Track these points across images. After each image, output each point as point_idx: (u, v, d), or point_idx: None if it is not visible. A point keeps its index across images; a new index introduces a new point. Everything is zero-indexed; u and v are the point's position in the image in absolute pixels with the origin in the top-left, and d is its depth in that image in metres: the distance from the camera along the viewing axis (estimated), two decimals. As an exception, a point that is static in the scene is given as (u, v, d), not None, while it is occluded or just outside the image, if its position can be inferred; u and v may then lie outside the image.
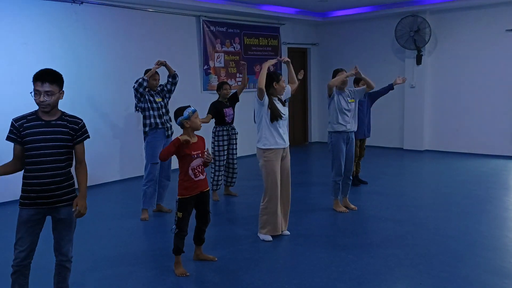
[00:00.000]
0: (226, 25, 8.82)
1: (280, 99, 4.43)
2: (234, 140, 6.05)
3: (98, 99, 6.96)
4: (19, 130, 2.68)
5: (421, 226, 4.82)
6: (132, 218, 5.31)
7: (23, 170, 2.77)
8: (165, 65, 5.37)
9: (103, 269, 3.88)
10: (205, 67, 8.47)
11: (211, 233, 4.71)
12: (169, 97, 5.44)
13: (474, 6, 8.59)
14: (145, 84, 5.11)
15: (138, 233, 4.94)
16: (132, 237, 4.81)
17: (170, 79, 5.43)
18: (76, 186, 2.96)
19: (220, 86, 5.96)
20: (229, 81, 8.39)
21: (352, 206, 5.45)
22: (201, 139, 3.79)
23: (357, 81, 6.32)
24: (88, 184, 7.38)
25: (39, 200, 2.75)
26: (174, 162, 5.60)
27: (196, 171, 3.66)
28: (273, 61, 4.44)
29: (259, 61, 9.53)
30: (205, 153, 3.71)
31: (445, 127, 9.29)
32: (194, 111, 3.68)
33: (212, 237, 4.59)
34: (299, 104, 10.95)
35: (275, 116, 4.27)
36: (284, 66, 10.02)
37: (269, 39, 9.71)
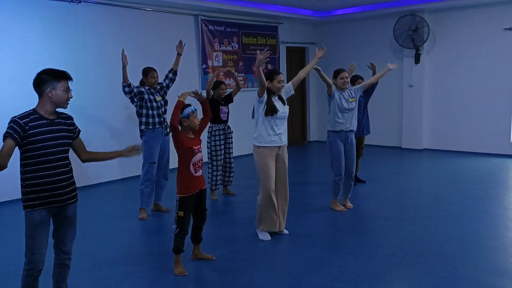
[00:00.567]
0: (224, 24, 8.81)
1: (281, 98, 4.42)
2: (230, 139, 6.05)
3: (96, 98, 6.95)
4: (25, 128, 2.63)
5: (419, 225, 4.82)
6: (131, 217, 5.31)
7: (24, 172, 2.72)
8: (178, 56, 5.43)
9: (102, 269, 3.88)
10: (204, 66, 8.46)
11: (210, 232, 4.72)
12: (166, 93, 5.43)
13: (472, 5, 8.60)
14: (126, 89, 5.05)
15: (137, 232, 4.94)
16: (131, 237, 4.80)
17: (171, 75, 5.41)
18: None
19: (217, 85, 5.95)
20: (227, 81, 8.41)
21: (350, 204, 5.45)
22: (197, 135, 3.83)
23: (353, 81, 6.31)
24: (88, 183, 7.46)
25: (51, 199, 2.74)
26: (172, 162, 5.64)
27: (196, 166, 3.70)
28: (262, 59, 4.14)
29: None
30: (195, 93, 3.78)
31: (443, 126, 9.30)
32: (194, 111, 3.70)
33: (211, 237, 4.59)
34: (298, 103, 10.94)
35: (269, 111, 4.26)
36: (282, 63, 10.06)
37: (267, 38, 9.71)
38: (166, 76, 5.43)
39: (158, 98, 5.25)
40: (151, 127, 5.16)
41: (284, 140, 4.43)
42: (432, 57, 9.30)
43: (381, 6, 9.20)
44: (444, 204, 5.57)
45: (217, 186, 6.01)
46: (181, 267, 3.73)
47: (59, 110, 2.87)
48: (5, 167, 2.60)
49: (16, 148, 2.67)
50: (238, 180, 6.59)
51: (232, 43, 8.99)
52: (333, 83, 5.22)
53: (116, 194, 6.59)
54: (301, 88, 10.99)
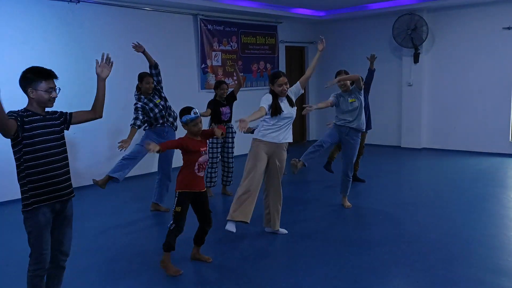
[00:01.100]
0: (224, 24, 8.81)
1: (289, 98, 4.43)
2: (230, 139, 6.05)
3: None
4: (23, 119, 2.63)
5: (418, 224, 4.83)
6: (130, 216, 5.32)
7: (25, 170, 2.72)
8: (144, 53, 5.32)
9: (101, 268, 3.89)
10: (203, 65, 8.47)
11: (208, 232, 4.72)
12: (162, 88, 5.43)
13: (471, 4, 8.61)
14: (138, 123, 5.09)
15: (136, 232, 4.94)
16: (130, 236, 4.81)
17: (153, 71, 5.37)
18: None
19: (218, 85, 5.96)
20: (226, 80, 8.41)
21: (348, 203, 5.47)
22: (203, 135, 3.84)
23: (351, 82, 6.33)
24: (87, 183, 7.42)
25: (54, 194, 2.74)
26: (174, 162, 5.64)
27: (201, 166, 3.72)
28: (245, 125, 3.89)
29: (256, 59, 9.54)
30: (218, 131, 3.82)
31: (442, 125, 9.31)
32: (193, 119, 3.62)
33: (210, 236, 4.58)
34: (297, 102, 10.90)
35: (273, 112, 4.29)
36: (281, 63, 10.06)
37: (266, 37, 9.71)
38: (151, 74, 5.41)
39: (157, 100, 5.27)
40: (153, 126, 5.24)
41: (283, 139, 4.41)
42: (431, 56, 9.31)
43: (380, 5, 9.20)
44: (443, 203, 5.58)
45: (212, 183, 6.01)
46: (173, 267, 3.73)
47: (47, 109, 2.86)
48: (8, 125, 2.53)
49: (11, 149, 2.67)
50: (237, 179, 6.58)
51: (231, 43, 8.99)
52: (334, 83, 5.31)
53: (116, 193, 6.59)
54: (300, 87, 10.99)
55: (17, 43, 6.12)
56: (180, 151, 3.75)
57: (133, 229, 5.02)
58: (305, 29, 10.77)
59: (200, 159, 3.70)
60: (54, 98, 2.78)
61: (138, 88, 5.35)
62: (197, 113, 3.67)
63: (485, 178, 6.83)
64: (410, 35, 9.03)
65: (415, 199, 5.81)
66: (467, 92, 8.90)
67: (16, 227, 4.96)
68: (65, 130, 2.91)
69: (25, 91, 2.73)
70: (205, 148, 3.77)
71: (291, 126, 4.53)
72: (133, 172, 7.29)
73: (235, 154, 6.23)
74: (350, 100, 5.28)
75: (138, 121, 5.09)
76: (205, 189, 3.85)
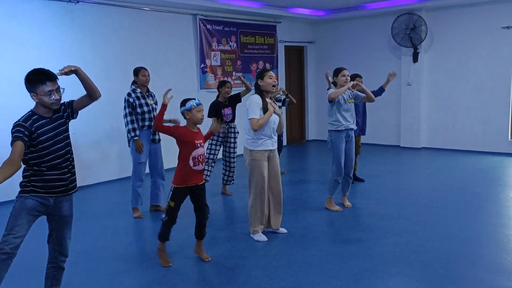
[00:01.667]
0: (223, 24, 8.81)
1: (275, 102, 4.45)
2: (232, 139, 6.05)
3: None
4: (31, 130, 2.65)
5: (417, 223, 4.84)
6: (129, 216, 5.32)
7: (26, 170, 2.74)
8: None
9: (100, 268, 3.89)
10: (202, 65, 8.47)
11: (207, 231, 4.72)
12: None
13: (470, 4, 8.61)
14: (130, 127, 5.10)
15: (135, 232, 4.95)
16: (129, 236, 4.82)
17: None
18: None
19: (222, 84, 5.94)
20: (228, 81, 8.41)
21: (348, 203, 5.46)
22: (200, 130, 3.85)
23: (352, 79, 6.31)
24: (86, 183, 7.43)
25: (56, 189, 2.78)
26: (167, 163, 5.65)
27: (196, 160, 3.70)
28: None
29: (256, 59, 9.54)
30: (217, 126, 3.85)
31: (441, 124, 9.32)
32: (198, 104, 3.70)
33: (208, 236, 4.58)
34: (296, 102, 10.93)
35: (263, 111, 4.30)
36: (280, 62, 10.06)
37: (265, 37, 9.71)
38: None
39: (150, 101, 5.25)
40: (140, 128, 5.16)
41: (275, 144, 4.47)
42: (430, 55, 9.32)
43: (379, 5, 9.21)
44: (442, 202, 5.59)
45: (205, 181, 5.97)
46: (165, 256, 3.81)
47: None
48: (20, 167, 2.61)
49: (5, 151, 2.69)
50: (236, 179, 6.59)
51: (230, 43, 8.99)
52: (334, 81, 5.25)
53: (114, 194, 6.59)
54: (300, 87, 11.01)
55: (16, 43, 6.12)
56: (171, 151, 3.74)
57: (132, 229, 5.02)
58: (304, 28, 10.78)
59: (194, 152, 3.68)
60: (56, 100, 2.76)
61: (134, 83, 5.30)
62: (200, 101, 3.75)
63: (484, 177, 6.83)
64: (409, 35, 9.04)
65: (414, 199, 5.82)
66: (466, 91, 8.91)
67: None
68: (72, 120, 2.95)
69: (30, 95, 2.75)
70: (201, 141, 3.75)
71: None
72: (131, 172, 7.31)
73: (237, 153, 6.23)
74: (349, 100, 5.27)
75: (132, 130, 5.07)
76: (203, 181, 3.85)
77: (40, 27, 6.35)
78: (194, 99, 3.75)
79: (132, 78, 5.34)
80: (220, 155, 6.20)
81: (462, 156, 8.52)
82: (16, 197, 2.78)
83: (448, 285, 3.39)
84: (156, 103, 5.33)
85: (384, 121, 9.90)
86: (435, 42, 9.21)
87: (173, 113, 4.63)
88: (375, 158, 8.53)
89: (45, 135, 2.70)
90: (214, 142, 5.92)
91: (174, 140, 3.76)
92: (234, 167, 6.14)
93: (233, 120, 6.02)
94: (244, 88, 5.96)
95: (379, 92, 6.64)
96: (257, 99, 4.29)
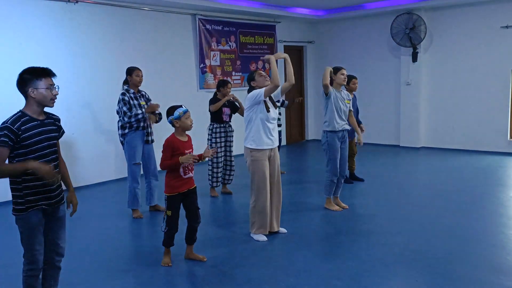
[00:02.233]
0: (222, 24, 8.81)
1: (272, 100, 4.42)
2: (230, 138, 6.08)
3: (93, 98, 6.94)
4: (17, 134, 2.60)
5: (417, 223, 4.84)
6: (128, 216, 5.32)
7: (22, 179, 2.69)
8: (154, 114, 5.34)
9: (99, 268, 3.88)
10: (201, 65, 8.46)
11: (206, 231, 4.73)
12: (149, 101, 5.38)
13: (469, 3, 8.62)
14: (132, 120, 5.08)
15: (134, 232, 4.95)
16: (128, 236, 4.81)
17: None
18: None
19: (223, 84, 5.92)
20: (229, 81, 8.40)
21: (343, 205, 5.44)
22: (189, 137, 3.82)
23: (349, 79, 6.32)
24: (85, 183, 7.42)
25: (45, 201, 2.74)
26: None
27: (186, 169, 3.70)
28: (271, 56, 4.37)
29: (255, 59, 9.54)
30: (209, 151, 3.78)
31: (441, 124, 9.32)
32: (185, 112, 3.68)
33: (208, 236, 4.60)
34: (300, 97, 10.93)
35: (267, 108, 4.29)
36: (279, 62, 10.05)
37: (265, 37, 9.71)
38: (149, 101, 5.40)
39: (142, 102, 5.24)
40: (134, 129, 5.14)
41: (276, 141, 4.46)
42: (429, 55, 9.32)
43: (378, 4, 9.21)
44: (441, 202, 5.59)
45: (218, 184, 6.03)
46: (167, 258, 3.80)
47: (48, 110, 2.84)
48: (2, 172, 2.62)
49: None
50: (236, 178, 6.59)
51: (229, 42, 8.99)
52: (332, 79, 5.23)
53: (113, 194, 6.59)
54: (299, 87, 11.00)
55: (15, 43, 6.11)
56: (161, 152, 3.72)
57: (132, 229, 5.02)
58: (303, 28, 10.77)
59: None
60: (55, 96, 2.74)
61: (125, 82, 5.28)
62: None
63: (484, 177, 6.84)
64: (409, 34, 9.04)
65: (414, 198, 5.82)
66: (466, 90, 8.92)
67: (15, 227, 4.96)
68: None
69: (24, 92, 2.68)
70: (190, 150, 3.74)
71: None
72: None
73: (234, 153, 6.23)
74: (346, 101, 5.27)
75: (132, 114, 5.05)
76: (195, 186, 3.84)
77: (39, 27, 6.33)
78: (181, 106, 3.72)
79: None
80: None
81: (462, 155, 8.53)
82: (13, 214, 2.74)
83: (448, 285, 3.39)
84: (147, 103, 5.31)
85: (383, 121, 9.90)
86: (434, 41, 9.21)
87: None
88: (375, 158, 8.53)
89: (33, 138, 2.65)
90: (219, 145, 5.91)
91: None
92: (233, 165, 6.16)
93: (229, 119, 6.03)
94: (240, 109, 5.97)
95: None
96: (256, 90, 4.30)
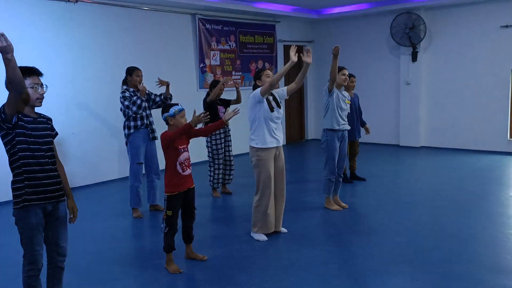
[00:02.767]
0: (222, 23, 8.81)
1: (275, 99, 4.43)
2: (229, 137, 6.08)
3: (93, 98, 6.94)
4: (18, 116, 2.62)
5: (417, 222, 4.84)
6: (128, 216, 5.32)
7: (18, 172, 2.73)
8: (167, 86, 5.37)
9: (99, 269, 3.88)
10: (201, 65, 8.46)
11: (206, 231, 4.74)
12: (150, 100, 5.38)
13: (469, 3, 8.62)
14: (139, 101, 5.07)
15: (134, 232, 4.95)
16: (128, 236, 4.82)
17: (162, 98, 5.35)
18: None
19: (214, 84, 5.94)
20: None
21: (343, 204, 5.44)
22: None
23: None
24: (86, 183, 7.42)
25: (47, 194, 2.74)
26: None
27: (183, 165, 3.69)
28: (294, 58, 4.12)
29: (255, 58, 9.54)
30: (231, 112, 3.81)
31: (440, 123, 9.33)
32: (181, 110, 3.69)
33: (208, 236, 4.61)
34: (295, 101, 10.95)
35: (271, 108, 4.30)
36: (279, 62, 10.06)
37: (264, 36, 9.71)
38: (158, 95, 5.40)
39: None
40: (138, 127, 5.16)
41: (281, 140, 4.45)
42: (429, 54, 9.32)
43: (378, 4, 9.22)
44: (441, 201, 5.60)
45: (219, 184, 6.03)
46: (174, 264, 3.75)
47: (39, 111, 2.83)
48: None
49: (5, 152, 2.67)
50: (236, 178, 6.60)
51: (229, 42, 8.99)
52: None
53: (111, 194, 6.58)
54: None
55: (14, 43, 6.06)
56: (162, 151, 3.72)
57: (132, 229, 5.03)
58: (303, 28, 10.78)
59: (180, 157, 3.67)
60: (42, 95, 2.73)
61: (124, 82, 5.28)
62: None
63: (484, 176, 6.84)
64: (408, 34, 9.04)
65: (414, 198, 5.82)
66: (465, 90, 8.92)
67: (15, 227, 4.96)
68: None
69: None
70: (185, 146, 3.74)
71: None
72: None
73: (233, 153, 6.24)
74: (347, 101, 5.27)
75: (130, 103, 5.06)
76: (193, 185, 3.83)
77: (39, 27, 6.33)
78: (177, 104, 3.74)
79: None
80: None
81: (461, 155, 8.53)
82: (13, 209, 2.74)
83: (448, 284, 3.39)
84: (149, 101, 5.32)
85: (383, 120, 9.90)
86: (434, 41, 9.22)
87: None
88: (375, 157, 8.54)
89: (29, 131, 2.66)
90: (219, 146, 5.90)
91: None
92: (233, 165, 6.16)
93: None
94: (236, 98, 5.97)
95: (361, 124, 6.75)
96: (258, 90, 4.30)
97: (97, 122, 6.99)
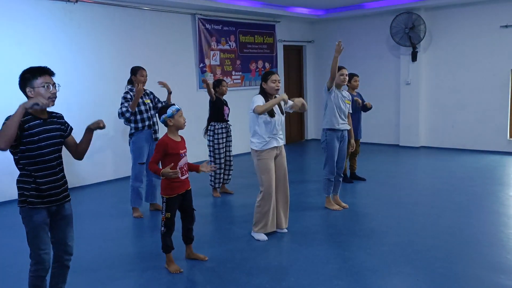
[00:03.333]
0: (222, 23, 8.81)
1: (279, 105, 4.42)
2: (230, 137, 6.08)
3: (92, 98, 6.94)
4: (23, 127, 2.61)
5: (417, 222, 4.84)
6: (127, 217, 5.32)
7: (23, 173, 2.72)
8: (169, 94, 5.38)
9: (98, 270, 3.88)
10: (201, 65, 8.46)
11: (206, 231, 4.74)
12: (155, 106, 5.39)
13: (469, 3, 8.62)
14: (127, 115, 5.08)
15: (133, 232, 4.95)
16: (128, 237, 4.81)
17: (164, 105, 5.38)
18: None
19: (219, 83, 5.94)
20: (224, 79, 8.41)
21: (344, 204, 5.44)
22: (182, 138, 3.81)
23: (349, 78, 6.33)
24: (82, 184, 7.42)
25: (51, 198, 2.74)
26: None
27: (183, 170, 3.70)
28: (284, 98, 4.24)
29: (255, 58, 9.54)
30: (208, 166, 3.79)
31: (440, 123, 9.33)
32: (178, 110, 3.69)
33: (208, 236, 4.61)
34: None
35: (271, 114, 4.30)
36: (279, 62, 10.06)
37: (264, 36, 9.71)
38: (159, 102, 5.42)
39: (147, 100, 5.25)
40: (140, 129, 5.16)
41: (282, 140, 4.46)
42: (429, 54, 9.33)
43: (378, 4, 9.22)
44: (441, 201, 5.60)
45: (220, 184, 6.03)
46: (175, 264, 3.75)
47: (50, 109, 2.83)
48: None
49: (5, 153, 2.66)
50: (236, 178, 6.60)
51: (229, 42, 8.99)
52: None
53: (110, 194, 6.58)
54: (299, 86, 11.01)
55: (14, 43, 6.11)
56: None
57: (132, 229, 5.02)
58: (303, 28, 10.78)
59: (180, 162, 3.67)
60: (54, 95, 2.73)
61: (130, 82, 5.30)
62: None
63: (483, 176, 6.84)
64: (408, 34, 9.05)
65: (414, 198, 5.82)
66: (465, 90, 8.92)
67: (16, 227, 4.96)
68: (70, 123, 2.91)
69: (24, 92, 2.69)
70: (184, 150, 3.74)
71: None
72: (127, 172, 7.25)
73: (233, 153, 6.24)
74: (346, 101, 5.27)
75: (126, 110, 5.08)
76: (190, 186, 3.83)
77: (38, 26, 6.33)
78: (173, 104, 3.75)
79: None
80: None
81: (461, 155, 8.53)
82: (19, 207, 2.73)
83: (448, 284, 3.39)
84: (152, 102, 5.33)
85: (383, 120, 9.90)
86: (434, 41, 9.22)
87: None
88: (374, 157, 8.54)
89: (37, 135, 2.65)
90: (221, 146, 5.90)
91: None
92: (232, 164, 6.17)
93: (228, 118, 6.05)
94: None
95: (364, 109, 6.67)
96: (260, 98, 4.30)
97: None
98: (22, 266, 3.90)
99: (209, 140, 5.94)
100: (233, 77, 9.00)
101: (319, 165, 6.68)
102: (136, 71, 5.23)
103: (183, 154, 3.70)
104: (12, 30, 6.09)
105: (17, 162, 2.71)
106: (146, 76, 5.28)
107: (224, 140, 5.95)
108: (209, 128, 5.95)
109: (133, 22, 7.44)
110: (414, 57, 9.26)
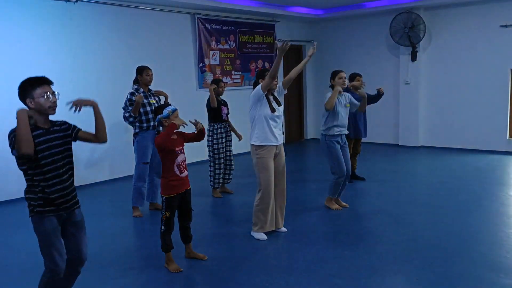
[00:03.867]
0: (221, 23, 8.81)
1: (275, 97, 4.44)
2: (230, 137, 6.08)
3: (92, 98, 6.87)
4: None
5: (416, 221, 4.85)
6: (126, 217, 5.32)
7: (30, 184, 2.71)
8: (166, 98, 5.41)
9: (98, 269, 3.88)
10: (201, 64, 8.46)
11: (206, 231, 4.74)
12: (159, 101, 5.41)
13: (468, 2, 8.62)
14: (131, 119, 5.12)
15: (133, 232, 4.95)
16: (127, 236, 4.81)
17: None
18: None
19: (217, 83, 5.94)
20: (224, 79, 8.41)
21: (344, 203, 5.43)
22: (180, 135, 3.80)
23: (352, 78, 6.33)
24: (80, 184, 7.40)
25: (61, 206, 2.73)
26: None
27: (181, 167, 3.70)
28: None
29: (255, 58, 9.54)
30: (195, 123, 3.74)
31: (440, 123, 9.33)
32: (174, 110, 3.69)
33: (208, 235, 4.61)
34: (295, 101, 10.96)
35: (272, 109, 4.31)
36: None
37: (264, 36, 9.71)
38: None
39: (152, 101, 5.25)
40: (145, 128, 5.17)
41: (281, 138, 4.46)
42: (429, 54, 9.33)
43: (377, 3, 9.21)
44: (441, 201, 5.60)
45: (219, 185, 6.02)
46: (174, 264, 3.76)
47: (52, 118, 2.81)
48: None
49: (8, 148, 2.65)
50: (236, 178, 6.60)
51: (229, 42, 8.99)
52: (332, 84, 5.22)
53: (109, 195, 6.57)
54: (298, 85, 11.01)
55: (14, 43, 6.10)
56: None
57: (132, 229, 5.02)
58: (302, 27, 10.78)
59: (178, 159, 3.67)
60: (54, 103, 2.71)
61: (136, 81, 5.29)
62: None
63: (483, 176, 6.85)
64: (408, 33, 9.05)
65: (413, 197, 5.83)
66: (465, 89, 8.92)
67: (16, 227, 4.96)
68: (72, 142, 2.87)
69: (25, 103, 2.67)
70: (181, 147, 3.74)
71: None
72: (125, 172, 7.29)
73: (233, 152, 6.23)
74: (346, 104, 5.25)
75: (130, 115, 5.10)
76: (190, 187, 3.83)
77: (38, 26, 6.32)
78: (170, 105, 3.75)
79: (133, 77, 5.33)
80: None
81: (461, 154, 8.53)
82: (29, 216, 2.72)
83: (448, 283, 3.40)
84: (157, 102, 5.34)
85: (382, 120, 9.90)
86: (433, 40, 9.22)
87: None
88: (374, 157, 8.54)
89: (41, 145, 2.64)
90: (220, 146, 5.89)
91: None
92: (233, 164, 6.16)
93: (227, 118, 6.04)
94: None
95: (375, 99, 6.56)
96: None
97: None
98: (22, 266, 3.91)
99: (208, 141, 5.93)
100: (232, 76, 9.00)
101: (319, 164, 6.69)
102: (141, 71, 5.23)
103: (180, 151, 3.70)
104: (12, 30, 6.08)
105: (25, 173, 2.70)
106: (152, 75, 5.28)
107: (224, 140, 5.95)
108: (208, 129, 5.95)
109: (133, 21, 7.43)
110: (413, 57, 9.27)
